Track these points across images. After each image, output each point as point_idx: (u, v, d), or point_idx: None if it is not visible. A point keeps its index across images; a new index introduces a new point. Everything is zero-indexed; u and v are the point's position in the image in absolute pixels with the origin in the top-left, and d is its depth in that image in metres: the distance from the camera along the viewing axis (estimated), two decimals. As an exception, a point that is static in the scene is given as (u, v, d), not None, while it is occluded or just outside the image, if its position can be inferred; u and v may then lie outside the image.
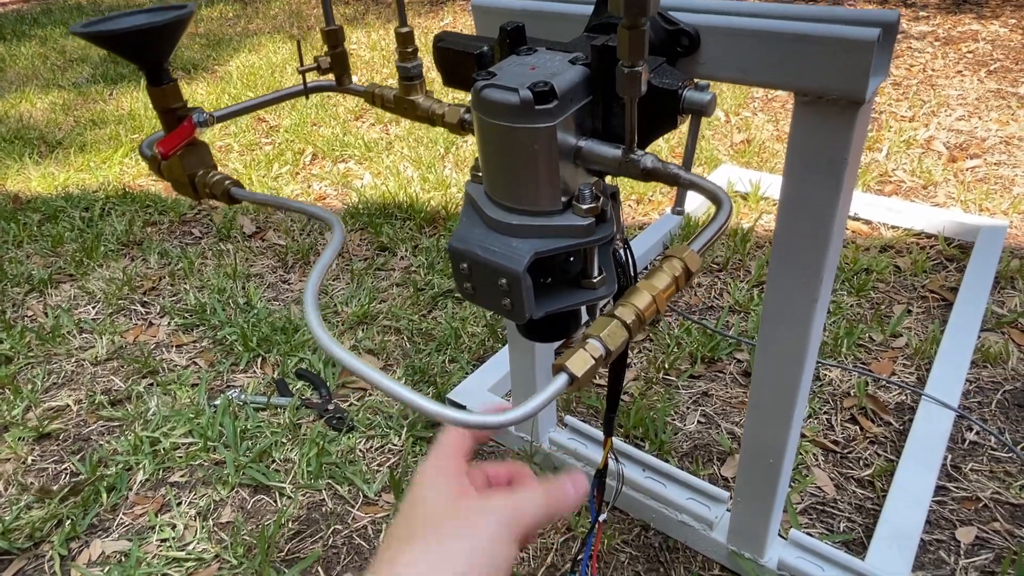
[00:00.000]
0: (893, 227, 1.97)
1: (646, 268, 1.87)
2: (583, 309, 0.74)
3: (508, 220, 0.65)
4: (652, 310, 0.46)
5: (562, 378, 0.41)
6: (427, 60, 0.78)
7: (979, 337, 1.51)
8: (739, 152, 2.47)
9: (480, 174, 0.69)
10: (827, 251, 0.73)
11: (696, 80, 0.62)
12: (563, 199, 0.64)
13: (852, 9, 0.64)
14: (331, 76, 0.71)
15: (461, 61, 0.74)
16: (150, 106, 3.31)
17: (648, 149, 0.63)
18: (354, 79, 0.77)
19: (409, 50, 0.71)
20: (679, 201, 0.67)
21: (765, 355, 0.85)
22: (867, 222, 2.01)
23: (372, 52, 3.88)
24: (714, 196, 0.56)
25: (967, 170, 2.27)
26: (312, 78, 0.73)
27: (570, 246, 0.64)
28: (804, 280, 0.76)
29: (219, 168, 0.66)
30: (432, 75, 0.71)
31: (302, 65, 0.64)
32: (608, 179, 0.72)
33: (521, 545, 0.44)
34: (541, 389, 0.39)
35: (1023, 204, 2.03)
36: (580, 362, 0.41)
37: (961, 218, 1.88)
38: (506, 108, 0.59)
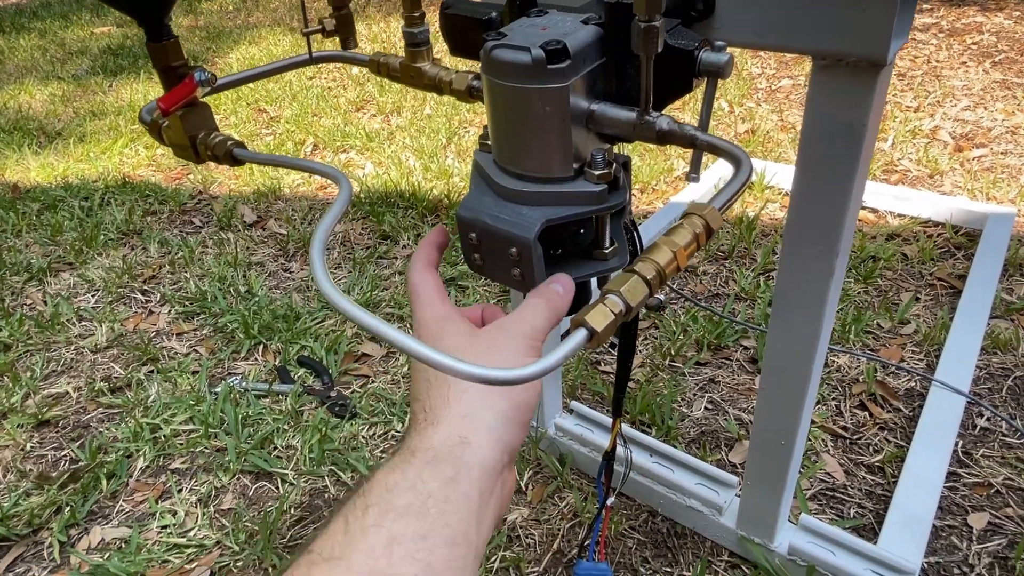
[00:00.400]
0: (900, 215, 1.96)
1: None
2: (593, 284, 0.72)
3: (518, 187, 0.63)
4: (673, 267, 0.44)
5: (581, 333, 0.39)
6: (435, 28, 0.76)
7: (988, 324, 1.50)
8: (743, 142, 2.45)
9: (489, 142, 0.67)
10: (844, 221, 0.71)
11: (712, 41, 0.60)
12: (575, 165, 0.62)
13: (873, -31, 0.63)
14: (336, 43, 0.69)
15: (469, 28, 0.72)
16: (150, 96, 3.28)
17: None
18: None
19: (416, 15, 0.69)
20: (694, 167, 0.65)
21: (778, 334, 0.83)
22: (874, 210, 1.99)
23: (373, 45, 3.86)
24: (733, 156, 0.54)
25: (973, 159, 2.25)
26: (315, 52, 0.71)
27: (582, 213, 0.62)
28: (821, 252, 0.74)
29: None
30: (440, 45, 0.69)
31: (306, 27, 0.62)
32: (618, 149, 0.70)
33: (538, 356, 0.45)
34: (561, 344, 0.38)
35: (1031, 192, 2.01)
36: (600, 317, 0.40)
37: (968, 206, 1.86)
38: (517, 68, 0.57)
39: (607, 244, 0.67)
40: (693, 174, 0.65)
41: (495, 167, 0.66)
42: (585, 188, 0.62)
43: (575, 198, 0.62)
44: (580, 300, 0.72)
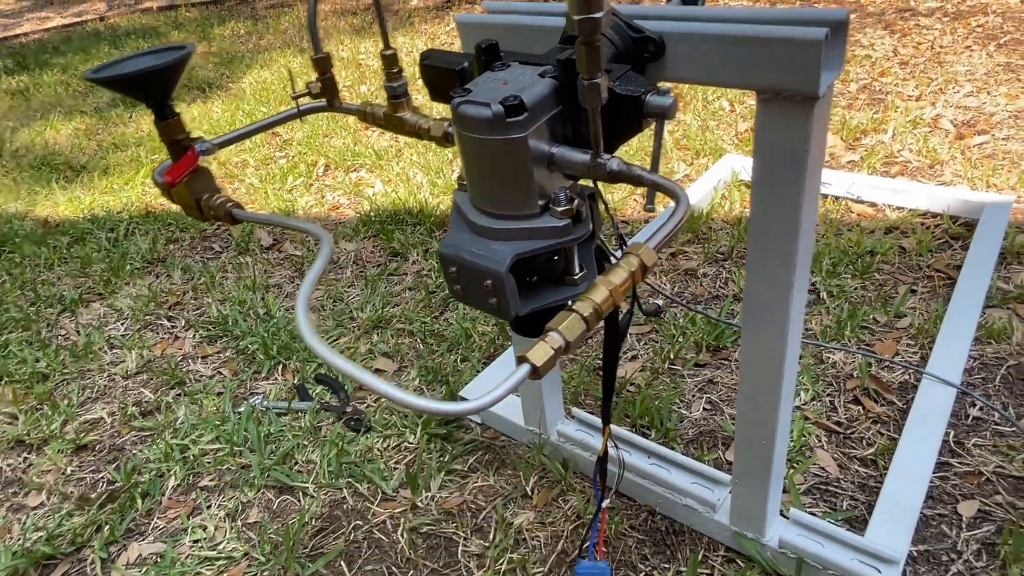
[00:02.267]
0: (898, 208, 1.98)
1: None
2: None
3: (490, 224, 0.70)
4: (609, 303, 0.50)
5: (524, 368, 0.45)
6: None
7: (983, 313, 1.52)
8: (744, 141, 2.48)
9: (465, 182, 0.74)
10: (798, 237, 0.76)
11: (658, 85, 0.66)
12: (540, 202, 0.68)
13: (805, 8, 0.68)
14: (323, 100, 0.76)
15: (444, 77, 0.79)
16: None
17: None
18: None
19: (394, 71, 0.76)
20: (649, 199, 0.71)
21: (749, 341, 0.89)
22: (872, 204, 2.02)
23: (377, 60, 3.95)
24: (672, 192, 0.60)
25: (974, 147, 2.26)
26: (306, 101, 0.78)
27: (549, 246, 0.69)
28: (779, 265, 0.79)
29: (227, 189, 0.71)
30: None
31: (294, 92, 0.69)
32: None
33: None
34: (503, 380, 0.44)
35: (1030, 178, 2.02)
36: (540, 353, 0.46)
37: (965, 195, 1.89)
38: (480, 122, 0.64)
39: (576, 271, 0.73)
40: (649, 205, 0.71)
41: (471, 206, 0.73)
42: (551, 223, 0.68)
43: (542, 233, 0.69)
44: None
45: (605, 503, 1.03)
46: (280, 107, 3.44)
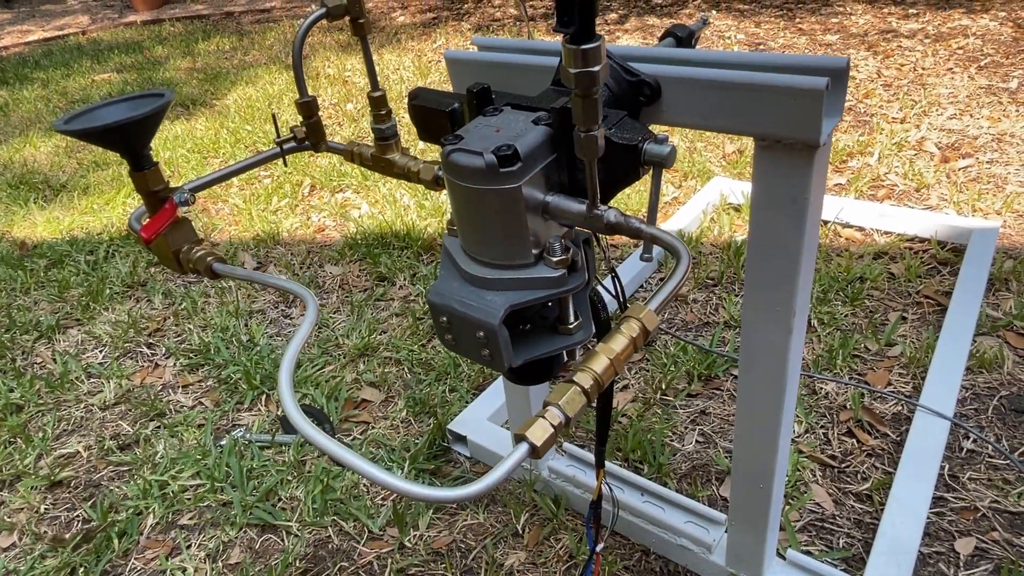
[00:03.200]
0: (886, 233, 1.98)
1: (641, 287, 1.89)
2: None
3: (483, 274, 0.67)
4: (610, 373, 0.48)
5: (523, 448, 0.43)
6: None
7: (974, 342, 1.52)
8: (731, 163, 2.48)
9: (455, 227, 0.71)
10: (797, 284, 0.75)
11: (655, 133, 0.64)
12: (534, 251, 0.66)
13: (804, 56, 0.67)
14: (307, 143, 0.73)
15: (434, 118, 0.77)
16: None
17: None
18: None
19: (383, 112, 0.74)
20: (646, 249, 0.69)
21: (746, 386, 0.87)
22: (860, 229, 2.02)
23: (364, 78, 3.93)
24: (673, 249, 0.58)
25: (959, 170, 2.27)
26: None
27: (544, 297, 0.67)
28: (778, 312, 0.78)
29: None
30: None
31: (279, 137, 0.66)
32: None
33: None
34: (501, 462, 0.41)
35: (1016, 203, 2.03)
36: (540, 431, 0.43)
37: (953, 221, 1.89)
38: (472, 171, 0.62)
39: (571, 320, 0.71)
40: (646, 255, 0.69)
41: (462, 253, 0.71)
42: (545, 273, 0.66)
43: (537, 283, 0.66)
44: (551, 368, 0.76)
45: (599, 547, 1.00)
46: (265, 126, 3.41)
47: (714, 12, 4.40)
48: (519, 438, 0.43)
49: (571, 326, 0.71)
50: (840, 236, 2.00)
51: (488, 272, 0.67)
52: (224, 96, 3.97)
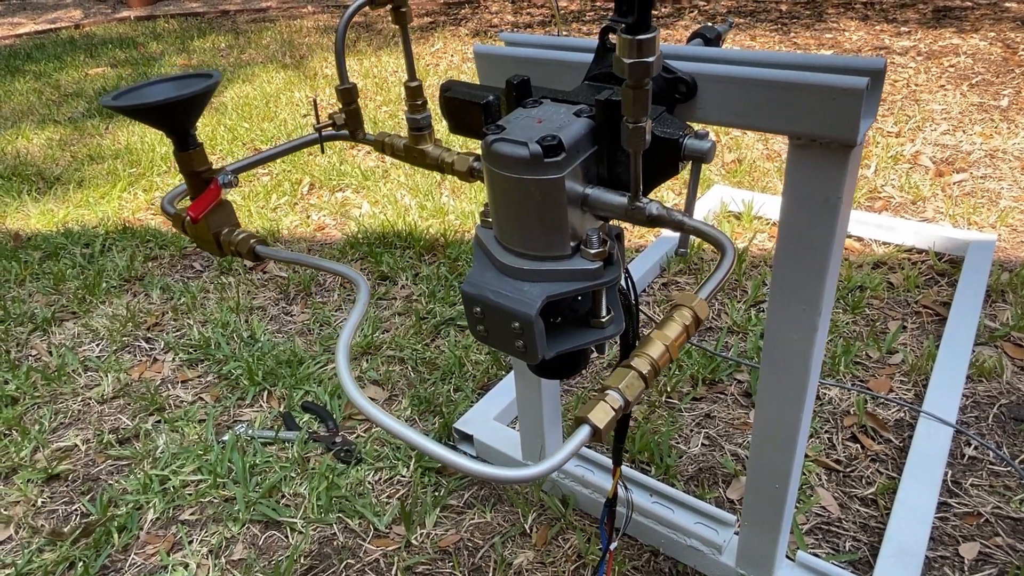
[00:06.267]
0: (885, 243, 2.01)
1: (644, 291, 1.90)
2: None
3: (519, 265, 0.67)
4: (666, 359, 0.48)
5: (585, 430, 0.43)
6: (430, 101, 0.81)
7: (973, 351, 1.54)
8: (731, 172, 2.51)
9: (490, 219, 0.71)
10: (824, 283, 0.75)
11: (695, 128, 0.65)
12: (572, 244, 0.66)
13: (842, 56, 0.68)
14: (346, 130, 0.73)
15: (468, 110, 0.77)
16: (147, 140, 3.32)
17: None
18: (365, 137, 0.80)
19: (419, 102, 0.74)
20: (683, 243, 0.69)
21: (768, 385, 0.87)
22: (859, 239, 2.05)
23: (365, 80, 3.93)
24: (718, 243, 0.59)
25: (954, 184, 2.31)
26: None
27: (580, 289, 0.67)
28: (804, 311, 0.79)
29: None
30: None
31: (318, 122, 0.66)
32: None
33: None
34: (566, 442, 0.42)
35: (1010, 217, 2.07)
36: (601, 414, 0.44)
37: (950, 233, 1.92)
38: (516, 161, 0.62)
39: (604, 313, 0.71)
40: (682, 249, 0.70)
41: (496, 244, 0.71)
42: (583, 265, 0.66)
43: (573, 275, 0.66)
44: (578, 363, 0.77)
45: (612, 546, 1.00)
46: (263, 123, 3.39)
47: (710, 24, 4.45)
48: (581, 420, 0.43)
49: (603, 319, 0.71)
50: (839, 246, 2.02)
51: (525, 263, 0.67)
52: (221, 93, 3.95)
